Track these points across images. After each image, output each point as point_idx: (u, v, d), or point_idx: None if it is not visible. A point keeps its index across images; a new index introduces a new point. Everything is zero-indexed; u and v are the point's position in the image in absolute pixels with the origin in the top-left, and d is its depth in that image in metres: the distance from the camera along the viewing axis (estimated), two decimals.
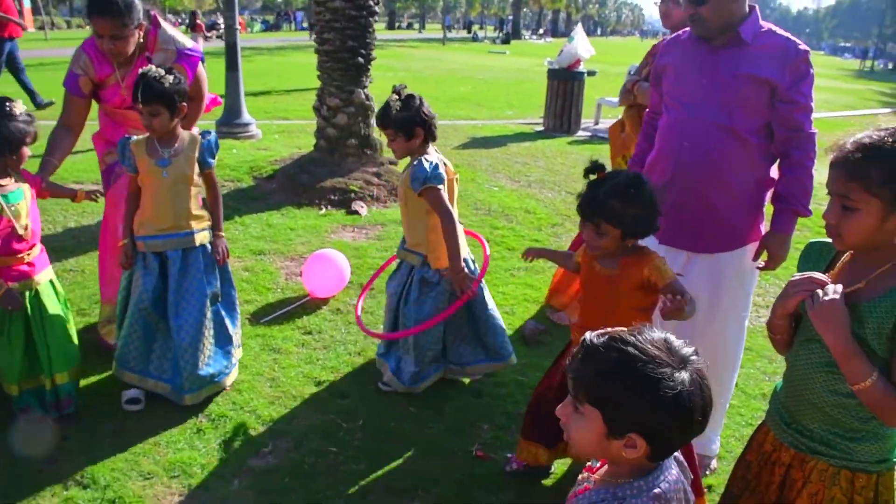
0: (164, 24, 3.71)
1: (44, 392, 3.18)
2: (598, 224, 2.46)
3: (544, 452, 2.97)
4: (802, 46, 2.75)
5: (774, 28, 2.81)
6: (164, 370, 3.37)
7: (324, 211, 6.50)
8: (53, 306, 3.14)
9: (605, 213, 2.43)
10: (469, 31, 59.16)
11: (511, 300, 4.93)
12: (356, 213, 6.50)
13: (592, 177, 2.49)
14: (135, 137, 3.25)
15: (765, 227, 3.00)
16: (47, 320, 3.10)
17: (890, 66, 57.06)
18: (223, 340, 3.51)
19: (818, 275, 1.81)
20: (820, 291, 1.73)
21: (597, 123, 12.49)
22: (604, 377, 1.38)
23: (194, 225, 3.32)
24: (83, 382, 3.47)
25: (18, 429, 3.10)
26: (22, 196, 3.00)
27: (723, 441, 3.37)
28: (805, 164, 2.80)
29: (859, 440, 1.84)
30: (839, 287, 1.72)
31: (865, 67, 50.71)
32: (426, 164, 3.29)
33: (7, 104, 2.93)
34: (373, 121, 7.18)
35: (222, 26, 15.56)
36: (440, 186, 3.29)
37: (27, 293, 3.04)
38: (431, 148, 3.43)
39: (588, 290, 2.74)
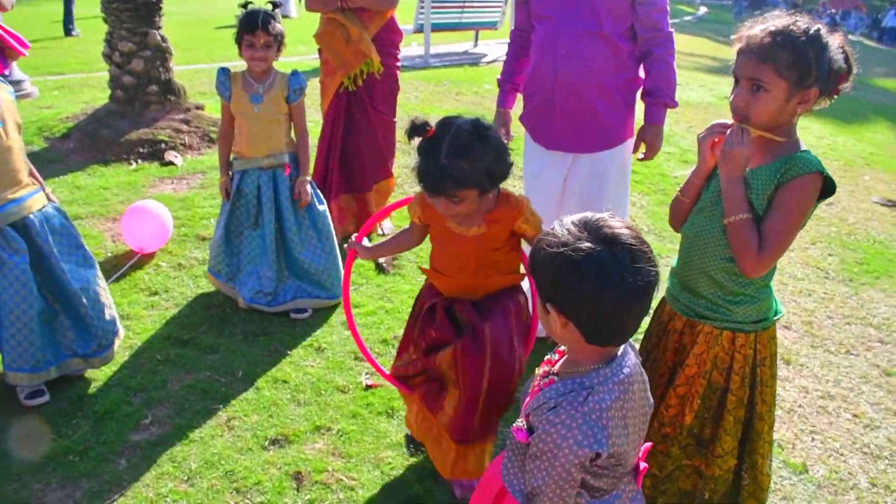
0: None
1: None
2: (450, 196, 2.11)
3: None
4: None
5: None
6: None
7: (135, 165, 5.98)
8: None
9: (456, 180, 2.06)
10: None
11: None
12: (171, 163, 6.04)
13: (418, 138, 2.10)
14: None
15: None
16: None
17: None
18: None
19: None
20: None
21: None
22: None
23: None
24: None
25: None
26: None
27: None
28: (667, 60, 3.06)
29: (738, 303, 2.05)
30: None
31: None
32: None
33: None
34: (172, 64, 6.64)
35: None
36: None
37: None
38: None
39: (447, 249, 2.39)
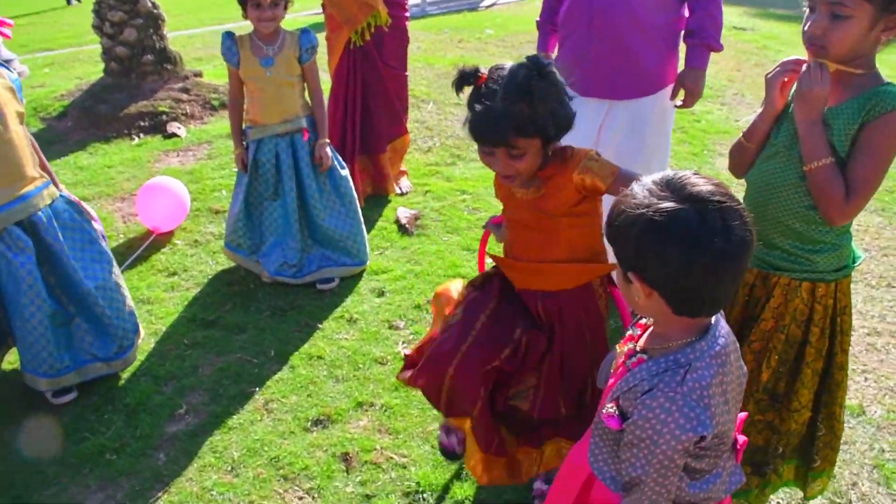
0: None
1: None
2: (510, 146, 1.81)
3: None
4: None
5: None
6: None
7: (137, 140, 5.79)
8: None
9: (517, 125, 1.76)
10: None
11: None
12: (174, 135, 5.85)
13: (468, 88, 1.85)
14: None
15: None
16: None
17: None
18: None
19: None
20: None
21: None
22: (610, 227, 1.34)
23: None
24: None
25: None
26: None
27: None
28: None
29: (819, 251, 1.90)
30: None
31: None
32: None
33: None
34: (166, 31, 6.41)
35: None
36: None
37: None
38: None
39: (517, 224, 2.08)
